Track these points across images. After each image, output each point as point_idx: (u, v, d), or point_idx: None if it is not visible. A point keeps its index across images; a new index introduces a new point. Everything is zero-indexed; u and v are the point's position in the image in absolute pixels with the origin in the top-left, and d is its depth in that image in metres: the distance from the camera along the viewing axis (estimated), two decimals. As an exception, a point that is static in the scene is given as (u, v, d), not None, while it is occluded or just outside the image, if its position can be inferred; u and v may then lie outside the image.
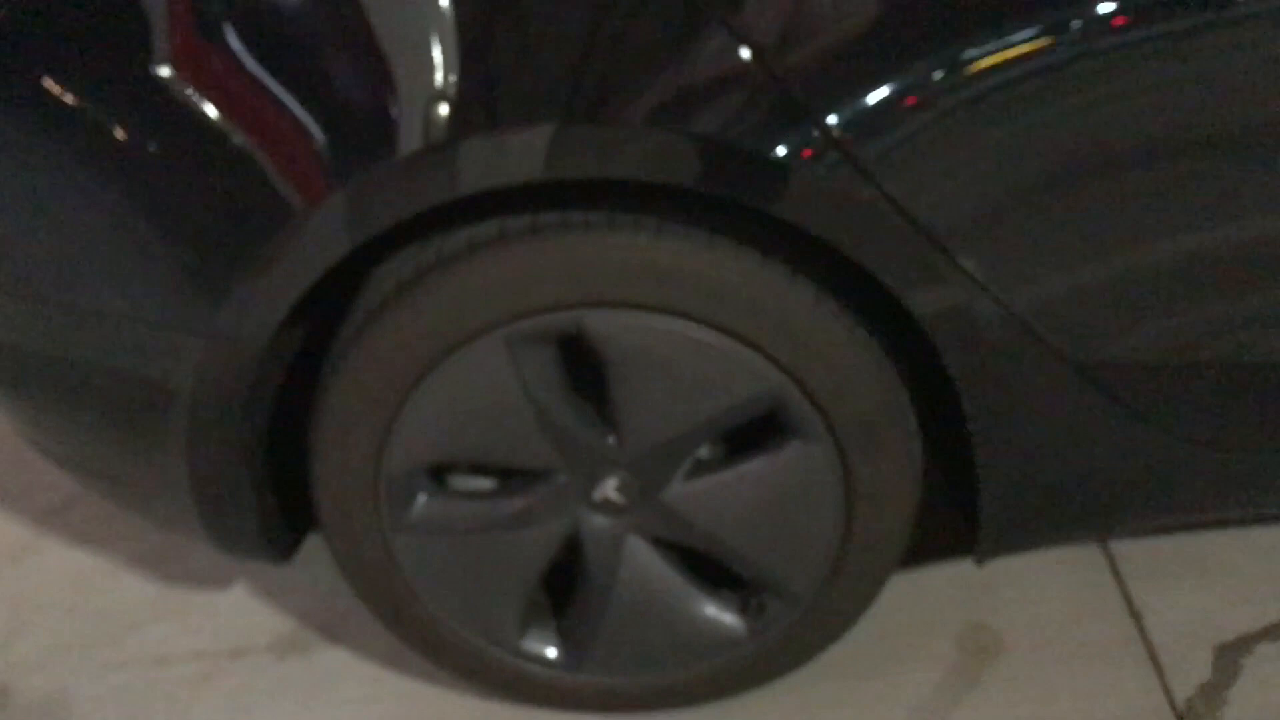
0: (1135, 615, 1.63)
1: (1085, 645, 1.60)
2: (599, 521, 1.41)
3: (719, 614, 1.47)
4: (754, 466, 1.36)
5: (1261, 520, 1.70)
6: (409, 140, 1.15)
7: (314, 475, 1.38)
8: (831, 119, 1.12)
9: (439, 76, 1.13)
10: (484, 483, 1.43)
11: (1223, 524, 1.71)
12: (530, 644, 1.50)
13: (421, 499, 1.40)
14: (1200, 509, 1.48)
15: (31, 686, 1.74)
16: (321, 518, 1.41)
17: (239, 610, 1.82)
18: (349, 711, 1.65)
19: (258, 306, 1.24)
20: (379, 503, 1.38)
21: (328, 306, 1.36)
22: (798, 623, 1.46)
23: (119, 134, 1.21)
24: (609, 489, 1.38)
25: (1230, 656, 1.56)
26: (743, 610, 1.47)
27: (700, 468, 1.38)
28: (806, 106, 1.12)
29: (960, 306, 1.23)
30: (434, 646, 1.51)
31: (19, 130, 1.24)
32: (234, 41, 1.16)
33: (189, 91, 1.18)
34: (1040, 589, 1.68)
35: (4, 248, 1.30)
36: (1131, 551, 1.71)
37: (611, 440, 1.34)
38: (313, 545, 1.72)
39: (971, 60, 1.10)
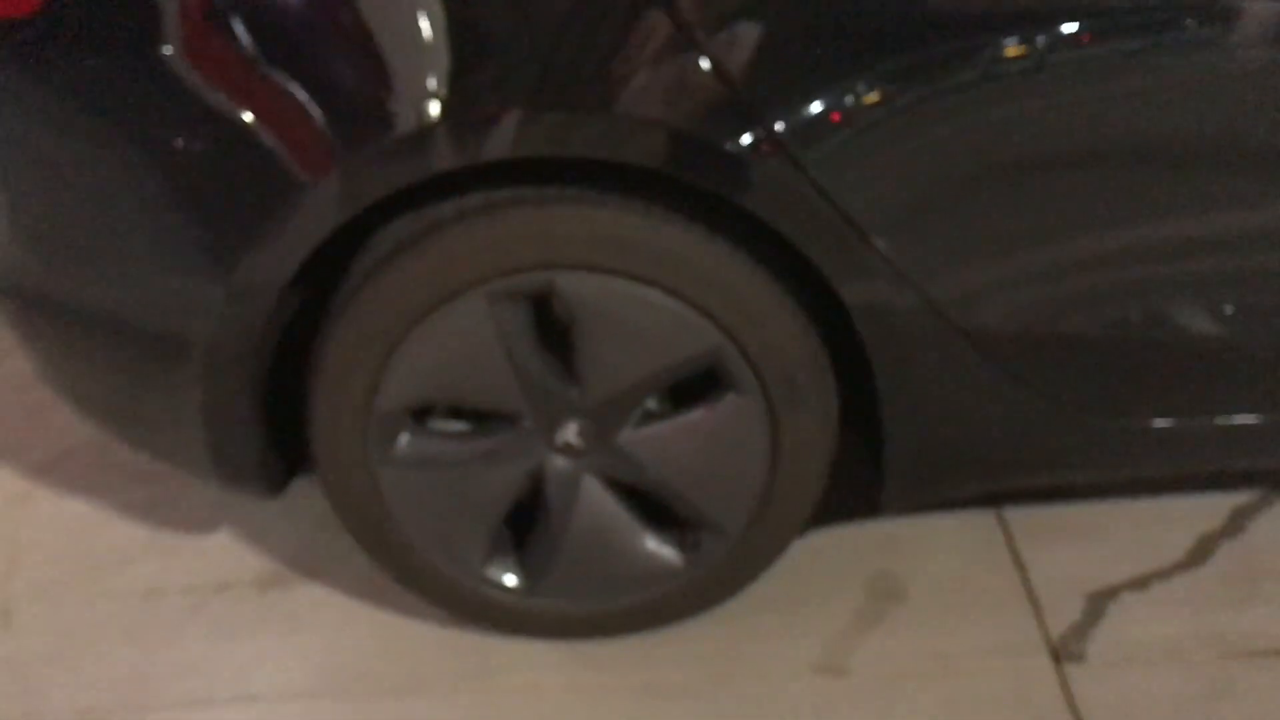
0: (1020, 568, 1.87)
1: (977, 592, 1.84)
2: (559, 462, 1.62)
3: (660, 548, 1.68)
4: (695, 416, 1.58)
5: (1132, 487, 1.96)
6: (404, 123, 1.37)
7: (312, 414, 1.58)
8: (778, 124, 1.35)
9: (431, 69, 1.35)
10: (460, 425, 1.64)
11: (1099, 491, 1.95)
12: (493, 571, 1.70)
13: (405, 437, 1.60)
14: (1075, 469, 1.73)
15: (32, 611, 1.92)
16: (316, 452, 1.61)
17: (225, 550, 2.01)
18: (325, 638, 1.84)
19: (274, 261, 1.45)
20: (368, 439, 1.58)
21: (323, 269, 1.56)
22: (728, 557, 1.69)
23: (159, 114, 1.41)
24: (570, 433, 1.60)
25: (1098, 602, 1.81)
26: (681, 545, 1.69)
27: (649, 416, 1.60)
28: (756, 111, 1.35)
29: (875, 284, 1.46)
30: (408, 572, 1.71)
31: (72, 105, 1.44)
32: (263, 45, 1.37)
33: (220, 82, 1.39)
34: (940, 545, 1.92)
35: (56, 211, 1.50)
36: (1020, 515, 1.95)
37: (574, 389, 1.56)
38: (291, 497, 1.90)
39: (897, 81, 1.34)
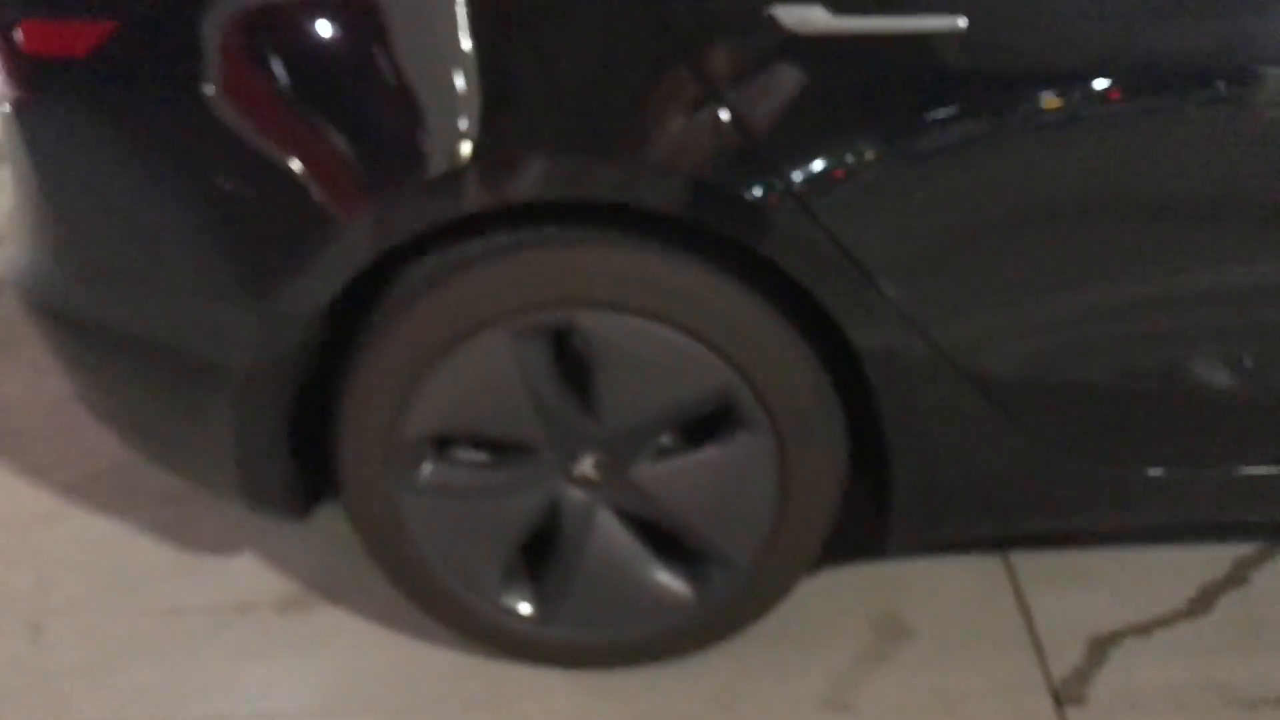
0: (1025, 611, 1.91)
1: (981, 634, 1.87)
2: (576, 494, 1.67)
3: (672, 581, 1.72)
4: (708, 453, 1.63)
5: (1137, 534, 1.99)
6: (436, 165, 1.44)
7: (339, 440, 1.63)
8: (793, 174, 1.41)
9: (462, 115, 1.41)
10: (480, 455, 1.69)
11: (1105, 538, 1.99)
12: (509, 599, 1.75)
13: (428, 465, 1.65)
14: (1079, 516, 1.77)
15: (61, 626, 1.97)
16: (341, 477, 1.66)
17: (247, 572, 2.06)
18: (343, 660, 1.89)
19: (309, 293, 1.51)
20: (392, 466, 1.63)
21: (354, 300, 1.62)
22: (738, 591, 1.73)
23: (203, 149, 1.49)
24: (586, 466, 1.65)
25: (1101, 647, 1.84)
26: (692, 578, 1.73)
27: (663, 452, 1.65)
28: (773, 161, 1.41)
29: (884, 329, 1.51)
30: (426, 597, 1.76)
31: (121, 139, 1.52)
32: (301, 87, 1.44)
33: (261, 121, 1.46)
34: (946, 587, 1.96)
35: (102, 237, 1.58)
36: (1026, 559, 1.99)
37: (591, 423, 1.61)
38: (312, 521, 1.95)
39: (907, 135, 1.41)
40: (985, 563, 2.00)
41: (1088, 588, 1.94)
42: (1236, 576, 1.95)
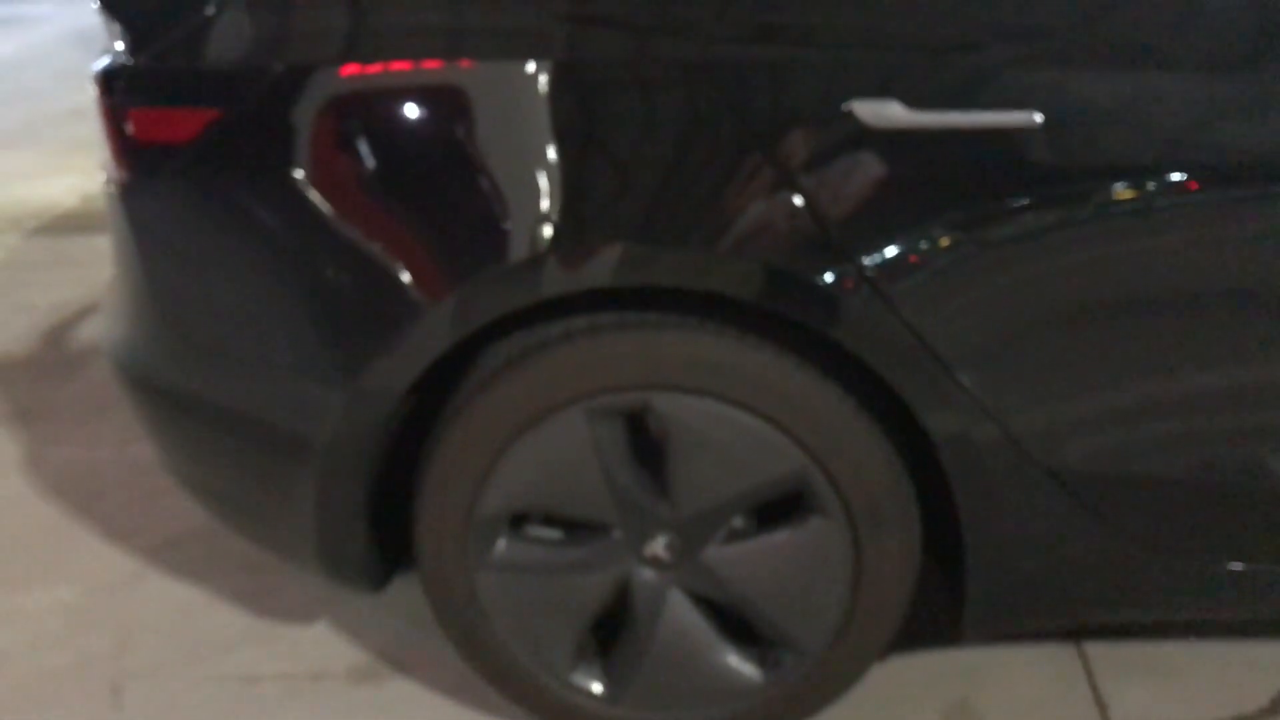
0: (1100, 703, 1.87)
1: (1055, 726, 1.85)
2: (647, 574, 1.68)
3: (741, 664, 1.72)
4: (780, 537, 1.63)
5: (1217, 628, 1.95)
6: (517, 252, 1.48)
7: (417, 515, 1.67)
8: (866, 261, 1.43)
9: (543, 204, 1.46)
10: (554, 533, 1.72)
11: (1183, 630, 1.95)
12: (579, 678, 1.76)
13: (502, 542, 1.68)
14: (1156, 608, 1.74)
15: (139, 690, 2.01)
16: (418, 552, 1.69)
17: (321, 641, 2.09)
18: (412, 733, 1.91)
19: (394, 371, 1.56)
20: (469, 542, 1.66)
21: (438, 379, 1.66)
22: (808, 677, 1.72)
23: (295, 232, 1.55)
24: (658, 547, 1.66)
25: (1178, 744, 1.80)
26: (762, 662, 1.73)
27: (735, 535, 1.66)
28: (846, 249, 1.43)
29: (959, 417, 1.52)
30: (498, 673, 1.77)
31: (219, 220, 1.59)
32: (389, 176, 1.50)
33: (350, 207, 1.52)
34: (1021, 677, 1.93)
35: (199, 314, 1.65)
36: (1102, 649, 1.96)
37: (664, 504, 1.63)
38: (387, 592, 1.98)
39: (982, 224, 1.42)
40: (1060, 652, 1.97)
41: (1165, 681, 1.91)
42: (1320, 675, 1.90)
